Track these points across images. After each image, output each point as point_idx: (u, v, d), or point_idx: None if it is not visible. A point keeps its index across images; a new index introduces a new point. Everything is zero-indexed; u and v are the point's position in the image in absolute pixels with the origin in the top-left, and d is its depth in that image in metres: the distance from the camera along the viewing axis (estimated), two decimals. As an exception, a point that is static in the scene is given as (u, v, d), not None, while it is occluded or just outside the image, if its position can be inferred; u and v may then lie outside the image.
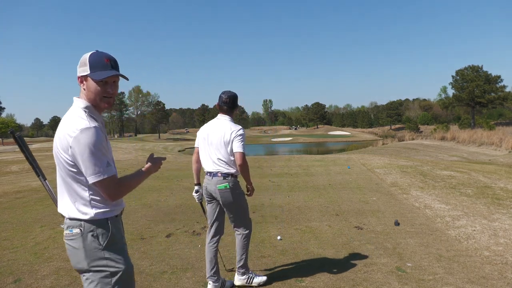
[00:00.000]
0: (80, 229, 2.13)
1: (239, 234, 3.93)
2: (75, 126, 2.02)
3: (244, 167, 3.73)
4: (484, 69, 75.99)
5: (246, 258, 3.94)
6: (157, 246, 5.28)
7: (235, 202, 3.75)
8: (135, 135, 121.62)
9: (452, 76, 79.62)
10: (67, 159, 2.05)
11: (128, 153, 37.44)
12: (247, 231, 3.93)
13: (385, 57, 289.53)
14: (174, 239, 5.59)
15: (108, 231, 2.14)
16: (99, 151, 2.02)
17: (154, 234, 5.89)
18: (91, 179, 2.03)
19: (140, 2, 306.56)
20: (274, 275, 4.22)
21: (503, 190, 8.90)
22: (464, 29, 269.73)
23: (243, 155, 3.68)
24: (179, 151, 58.25)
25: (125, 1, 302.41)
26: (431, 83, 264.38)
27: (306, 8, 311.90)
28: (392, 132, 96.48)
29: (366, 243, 5.22)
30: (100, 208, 2.13)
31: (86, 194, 2.11)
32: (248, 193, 3.98)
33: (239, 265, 3.94)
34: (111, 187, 2.07)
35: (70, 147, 2.00)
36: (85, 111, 2.12)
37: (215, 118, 3.92)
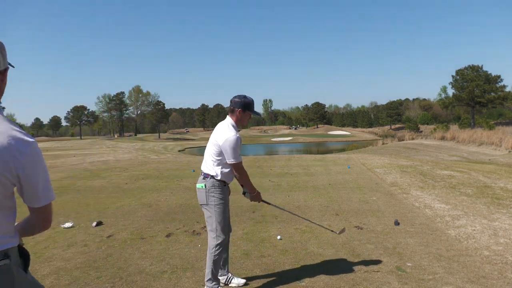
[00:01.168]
0: (9, 259, 1.65)
1: (209, 243, 3.73)
2: (20, 138, 1.62)
3: (240, 175, 3.71)
4: (484, 69, 75.93)
5: (213, 271, 3.67)
6: (157, 245, 5.28)
7: (208, 205, 3.65)
8: (135, 135, 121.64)
9: (452, 76, 79.52)
10: (6, 180, 1.60)
11: (128, 152, 37.48)
12: (215, 242, 3.66)
13: (385, 57, 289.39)
14: (174, 238, 5.59)
15: (27, 255, 1.79)
16: (47, 168, 1.71)
17: (154, 233, 5.89)
18: (43, 202, 1.70)
19: (139, 2, 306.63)
20: (274, 275, 4.22)
21: (503, 189, 8.90)
22: (464, 29, 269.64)
23: (236, 164, 3.61)
24: (179, 150, 58.22)
25: (125, 0, 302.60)
26: (431, 83, 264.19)
27: (306, 8, 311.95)
28: (392, 132, 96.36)
29: (366, 242, 5.22)
30: (16, 234, 1.73)
31: (9, 219, 1.68)
32: (245, 194, 3.91)
33: (206, 279, 3.72)
34: (51, 210, 1.76)
35: (16, 167, 1.59)
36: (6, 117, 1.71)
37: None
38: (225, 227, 3.70)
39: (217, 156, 3.61)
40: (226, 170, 3.66)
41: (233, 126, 3.67)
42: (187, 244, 5.30)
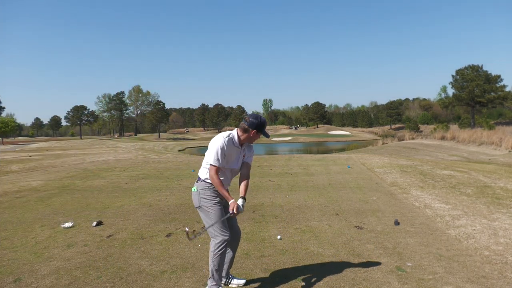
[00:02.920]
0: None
1: (210, 243, 3.78)
2: None
3: (211, 179, 3.68)
4: (484, 68, 75.88)
5: (213, 271, 3.68)
6: (157, 245, 5.28)
7: (201, 207, 3.73)
8: (135, 135, 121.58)
9: (452, 76, 79.46)
10: None
11: (128, 152, 37.45)
12: (213, 241, 3.70)
13: (385, 57, 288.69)
14: (174, 238, 5.59)
15: None
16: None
17: (154, 233, 5.89)
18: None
19: (140, 1, 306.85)
20: (274, 275, 4.22)
21: (503, 189, 8.90)
22: (464, 29, 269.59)
23: (210, 166, 3.65)
24: (179, 150, 58.19)
25: (126, 0, 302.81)
26: (431, 83, 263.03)
27: (306, 7, 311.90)
28: (392, 131, 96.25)
29: (366, 242, 5.22)
30: None
31: None
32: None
33: (208, 277, 3.78)
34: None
35: None
36: None
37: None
38: (222, 227, 3.68)
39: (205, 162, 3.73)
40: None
41: (229, 136, 3.74)
42: (187, 244, 5.30)
